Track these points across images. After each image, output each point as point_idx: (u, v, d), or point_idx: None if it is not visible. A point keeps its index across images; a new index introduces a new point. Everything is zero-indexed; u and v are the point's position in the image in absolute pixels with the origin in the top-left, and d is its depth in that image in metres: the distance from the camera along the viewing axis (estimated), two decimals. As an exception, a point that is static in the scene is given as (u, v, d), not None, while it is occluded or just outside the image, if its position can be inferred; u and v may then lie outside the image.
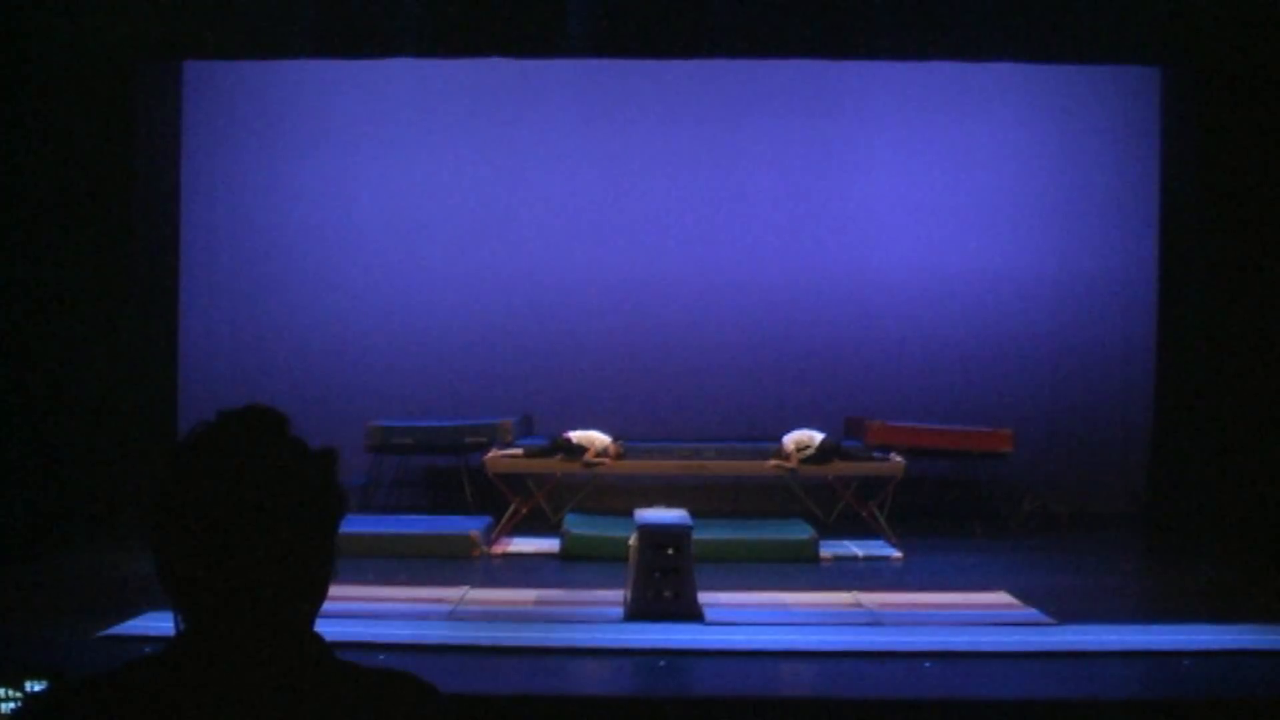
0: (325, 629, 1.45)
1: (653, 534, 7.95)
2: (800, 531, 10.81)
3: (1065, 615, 7.85)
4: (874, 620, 7.81)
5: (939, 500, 12.68)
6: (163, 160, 12.17)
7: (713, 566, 9.05)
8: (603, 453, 11.10)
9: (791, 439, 11.24)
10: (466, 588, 8.66)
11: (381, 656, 6.15)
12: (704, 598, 7.88)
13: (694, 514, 8.66)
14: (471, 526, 10.70)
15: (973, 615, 8.06)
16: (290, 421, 1.45)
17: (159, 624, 6.70)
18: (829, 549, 10.53)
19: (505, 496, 11.14)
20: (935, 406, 13.23)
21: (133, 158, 11.33)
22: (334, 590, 1.48)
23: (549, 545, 10.60)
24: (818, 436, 11.27)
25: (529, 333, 13.74)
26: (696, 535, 8.21)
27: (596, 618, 7.80)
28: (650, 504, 9.14)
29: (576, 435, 11.18)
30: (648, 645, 6.94)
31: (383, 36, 10.80)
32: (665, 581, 7.78)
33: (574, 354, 13.44)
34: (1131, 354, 13.24)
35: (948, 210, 13.91)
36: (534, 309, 13.80)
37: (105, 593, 8.22)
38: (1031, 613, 8.00)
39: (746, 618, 7.75)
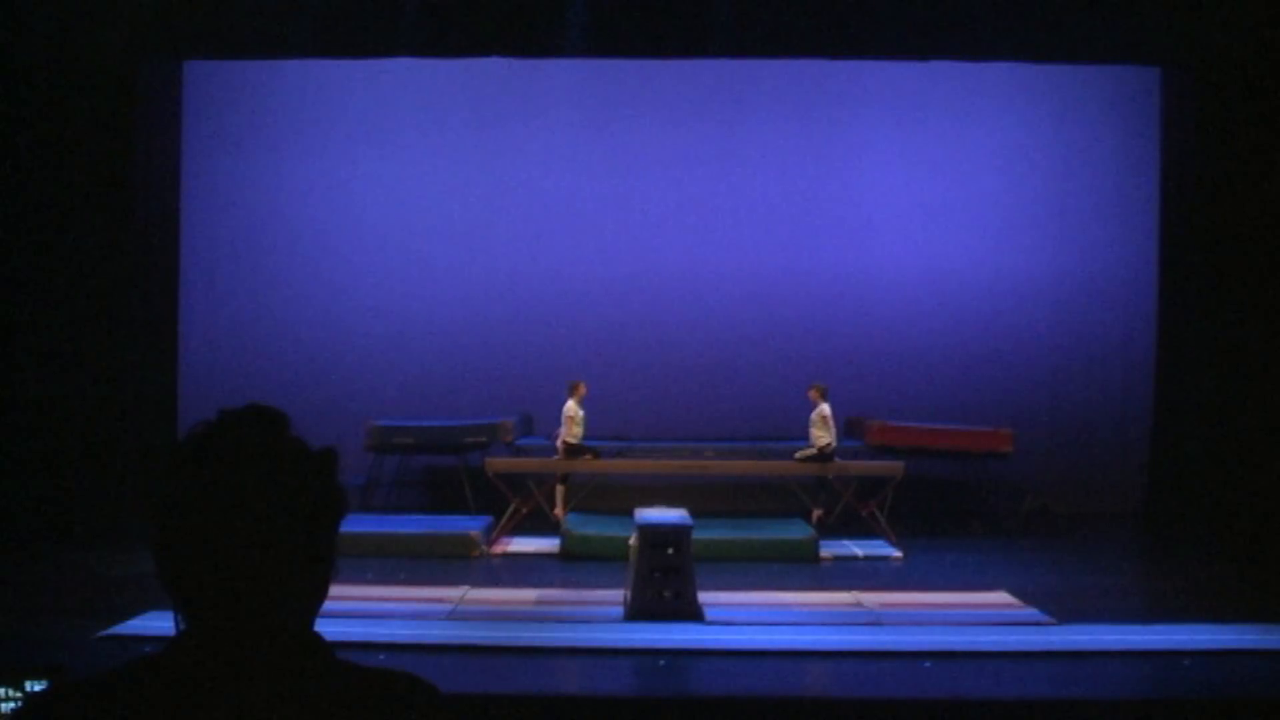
0: (325, 629, 1.45)
1: (653, 534, 7.95)
2: (800, 531, 10.82)
3: (1065, 615, 7.86)
4: (874, 620, 7.81)
5: (939, 500, 12.68)
6: (163, 160, 12.16)
7: (713, 566, 9.05)
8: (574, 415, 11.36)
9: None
10: (466, 588, 8.66)
11: (381, 656, 6.15)
12: (704, 598, 7.88)
13: (694, 514, 8.66)
14: (471, 526, 10.70)
15: (973, 615, 8.06)
16: (290, 421, 1.45)
17: (159, 624, 6.71)
18: (829, 549, 10.54)
19: (505, 496, 11.14)
20: (935, 406, 13.23)
21: (133, 158, 11.33)
22: (334, 590, 1.48)
23: (549, 545, 10.61)
24: (825, 436, 11.34)
25: (529, 333, 13.75)
26: (696, 535, 8.21)
27: (596, 618, 7.80)
28: (650, 504, 9.14)
29: (568, 434, 11.44)
30: (648, 645, 6.94)
31: (383, 36, 10.80)
32: (665, 581, 7.78)
33: (574, 354, 13.44)
34: (1131, 354, 13.24)
35: (948, 210, 13.92)
36: (534, 309, 13.80)
37: (105, 593, 8.22)
38: (1031, 613, 8.00)
39: (746, 618, 7.75)
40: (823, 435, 11.34)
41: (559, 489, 11.64)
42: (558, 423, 11.72)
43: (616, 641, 7.06)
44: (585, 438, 11.62)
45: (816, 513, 11.66)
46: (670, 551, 7.85)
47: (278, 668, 1.38)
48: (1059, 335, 13.79)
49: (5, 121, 10.63)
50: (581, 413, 11.52)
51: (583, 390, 11.60)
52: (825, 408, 11.45)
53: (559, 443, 11.53)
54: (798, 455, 11.48)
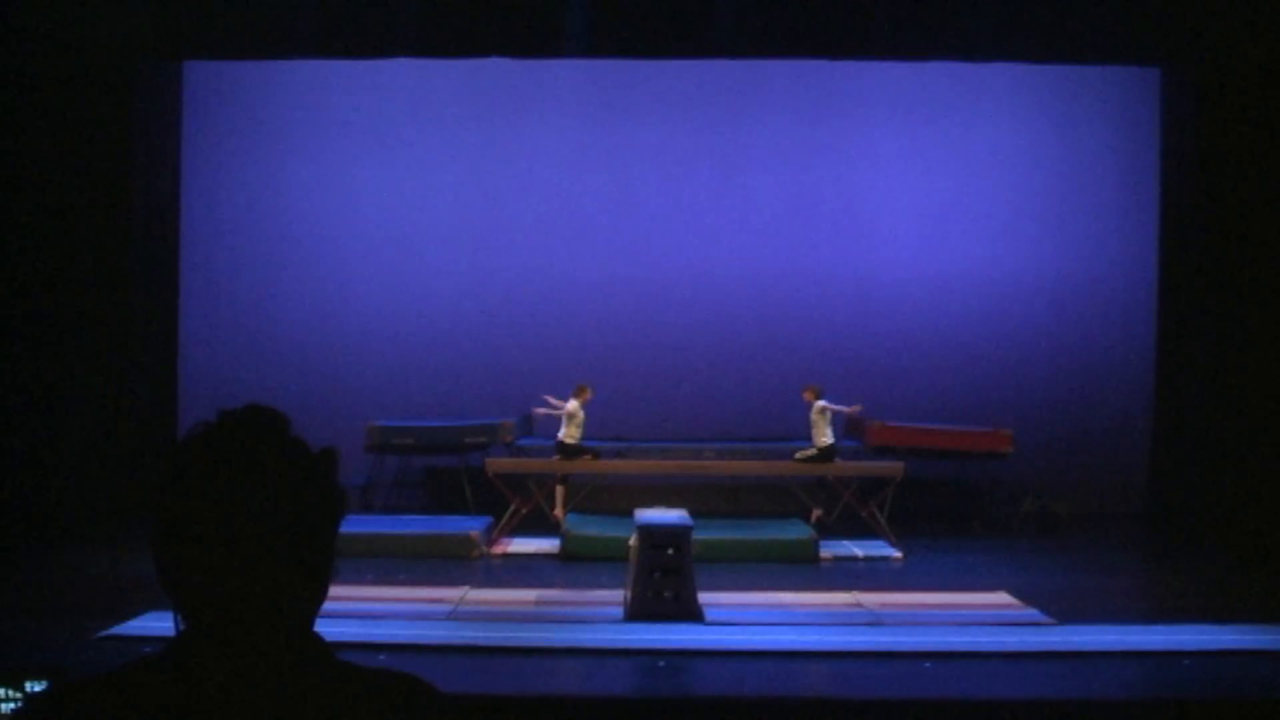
0: (325, 629, 1.45)
1: (653, 534, 7.95)
2: (800, 531, 10.81)
3: (1065, 615, 7.85)
4: (874, 620, 7.81)
5: (939, 500, 12.68)
6: (163, 160, 12.17)
7: (713, 566, 9.05)
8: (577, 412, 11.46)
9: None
10: (466, 588, 8.66)
11: (381, 656, 6.15)
12: (704, 598, 7.87)
13: (694, 514, 8.66)
14: (471, 526, 10.70)
15: (973, 615, 8.05)
16: (290, 421, 1.45)
17: (159, 624, 6.71)
18: (829, 549, 10.53)
19: (505, 497, 11.14)
20: (935, 406, 13.22)
21: (133, 158, 11.33)
22: (334, 590, 1.48)
23: (549, 545, 10.61)
24: (826, 435, 11.32)
25: (529, 333, 13.74)
26: (696, 535, 8.21)
27: (596, 618, 7.80)
28: (650, 504, 9.13)
29: (566, 435, 11.44)
30: (648, 645, 6.94)
31: (383, 36, 10.81)
32: (665, 581, 7.78)
33: (574, 354, 13.44)
34: (1131, 354, 13.24)
35: (948, 211, 13.91)
36: (534, 309, 13.80)
37: (105, 593, 8.22)
38: (1031, 613, 8.00)
39: (746, 618, 7.75)
40: (824, 434, 11.30)
41: (559, 489, 11.65)
42: (558, 423, 11.71)
43: (616, 642, 7.05)
44: (585, 438, 11.62)
45: (816, 513, 11.66)
46: (670, 552, 7.84)
47: (278, 668, 1.38)
48: (1059, 335, 13.78)
49: (5, 121, 10.63)
50: (582, 415, 11.52)
51: (588, 395, 11.59)
52: (822, 402, 11.40)
53: (549, 412, 11.53)
54: (798, 455, 11.47)
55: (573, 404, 11.51)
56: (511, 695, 5.92)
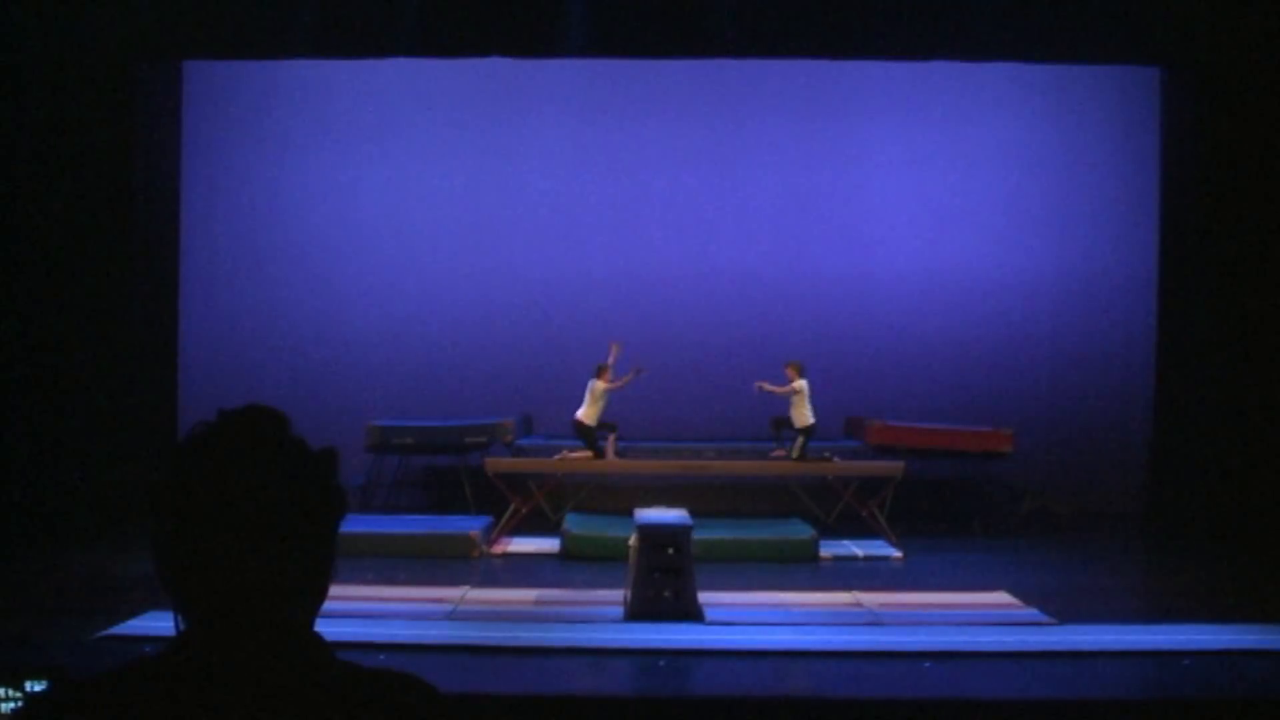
0: (325, 629, 1.45)
1: (653, 534, 7.95)
2: (800, 531, 10.81)
3: (1065, 615, 7.85)
4: (874, 620, 7.81)
5: (939, 500, 12.68)
6: (163, 160, 12.16)
7: (713, 566, 9.05)
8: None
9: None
10: (466, 588, 8.66)
11: (381, 656, 6.14)
12: (704, 598, 7.87)
13: (694, 514, 8.66)
14: (471, 526, 10.70)
15: (973, 615, 8.05)
16: (290, 421, 1.45)
17: (159, 624, 6.71)
18: (829, 549, 10.53)
19: (505, 496, 11.13)
20: (935, 406, 13.22)
21: (133, 158, 11.33)
22: (334, 590, 1.48)
23: (549, 545, 10.60)
24: (811, 415, 11.20)
25: (529, 333, 13.74)
26: (696, 535, 8.21)
27: (596, 618, 7.80)
28: (650, 504, 9.13)
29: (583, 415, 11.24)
30: (648, 645, 6.94)
31: (383, 36, 10.81)
32: (665, 581, 7.78)
33: (574, 354, 13.41)
34: (1131, 354, 13.23)
35: (948, 210, 13.91)
36: (533, 309, 13.79)
37: (105, 593, 8.22)
38: (1031, 613, 8.00)
39: (746, 618, 7.75)
40: (805, 415, 11.18)
41: (610, 438, 11.28)
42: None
43: (616, 641, 7.05)
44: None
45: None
46: (670, 551, 7.84)
47: (278, 668, 1.38)
48: (1059, 335, 13.78)
49: (5, 122, 10.63)
50: (603, 402, 11.24)
51: (609, 373, 11.32)
52: (802, 383, 11.27)
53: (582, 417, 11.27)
54: (795, 455, 11.36)
55: (599, 384, 11.30)
56: (511, 695, 5.92)
